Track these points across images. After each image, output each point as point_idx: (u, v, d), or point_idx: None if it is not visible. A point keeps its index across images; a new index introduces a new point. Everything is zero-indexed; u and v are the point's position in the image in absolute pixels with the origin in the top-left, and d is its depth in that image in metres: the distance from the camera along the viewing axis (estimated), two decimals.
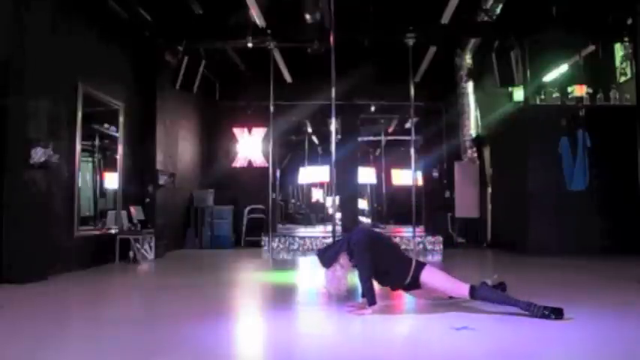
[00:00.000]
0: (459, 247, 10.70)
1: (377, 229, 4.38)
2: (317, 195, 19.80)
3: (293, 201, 19.69)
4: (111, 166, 8.14)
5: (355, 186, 12.35)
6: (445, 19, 8.40)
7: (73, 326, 3.91)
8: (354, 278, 4.28)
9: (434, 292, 4.08)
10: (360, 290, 4.24)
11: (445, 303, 4.14)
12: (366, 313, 3.88)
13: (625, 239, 8.29)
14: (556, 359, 2.96)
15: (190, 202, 10.99)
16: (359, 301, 4.24)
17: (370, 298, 3.90)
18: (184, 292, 5.30)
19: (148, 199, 8.89)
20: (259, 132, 11.92)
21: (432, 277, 3.97)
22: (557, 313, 3.59)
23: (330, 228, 9.22)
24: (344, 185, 11.48)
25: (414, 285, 4.00)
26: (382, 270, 4.01)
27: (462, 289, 3.87)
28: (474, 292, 3.81)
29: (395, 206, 16.83)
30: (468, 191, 10.75)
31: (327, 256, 4.09)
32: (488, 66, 9.19)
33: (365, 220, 16.89)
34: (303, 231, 12.81)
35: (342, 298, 4.43)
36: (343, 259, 4.02)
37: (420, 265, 4.01)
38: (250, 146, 11.99)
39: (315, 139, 17.04)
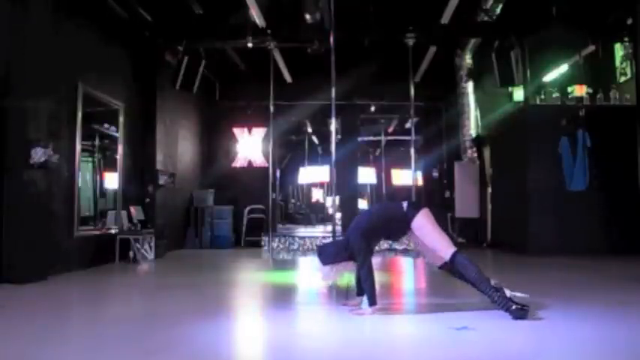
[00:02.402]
0: (459, 247, 10.68)
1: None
2: (317, 195, 19.81)
3: (293, 201, 19.70)
4: (111, 166, 8.14)
5: (355, 186, 12.35)
6: (445, 19, 8.40)
7: (73, 326, 3.91)
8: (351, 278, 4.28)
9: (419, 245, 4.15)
10: (356, 289, 4.23)
11: (445, 303, 4.14)
12: (366, 314, 3.88)
13: (625, 239, 8.28)
14: (557, 359, 2.96)
15: (190, 202, 10.99)
16: (356, 300, 4.23)
17: (371, 298, 3.89)
18: (184, 292, 5.30)
19: (148, 199, 8.89)
20: (259, 132, 11.92)
21: (423, 226, 3.98)
22: (522, 311, 3.59)
23: (330, 228, 9.22)
24: (344, 185, 11.49)
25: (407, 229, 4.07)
26: (385, 234, 4.25)
27: (446, 249, 3.91)
28: (454, 259, 3.86)
29: None
30: (468, 191, 10.76)
31: (326, 255, 4.08)
32: (488, 66, 9.19)
33: None
34: (303, 231, 12.83)
35: (340, 297, 4.44)
36: (343, 264, 4.03)
37: (415, 209, 4.01)
38: (250, 146, 11.99)
39: (315, 139, 17.05)
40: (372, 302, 3.88)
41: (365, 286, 3.95)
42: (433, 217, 4.07)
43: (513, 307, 3.62)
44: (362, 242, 3.95)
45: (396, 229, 4.12)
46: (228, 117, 11.92)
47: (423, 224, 3.98)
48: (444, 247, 3.93)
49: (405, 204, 4.06)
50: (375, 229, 4.06)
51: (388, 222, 4.09)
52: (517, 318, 3.58)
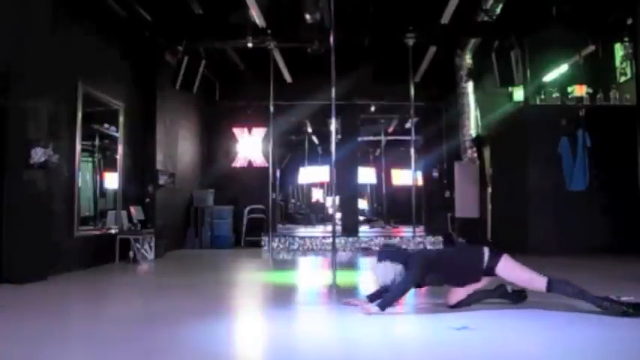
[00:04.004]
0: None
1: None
2: (317, 195, 19.83)
3: (293, 201, 19.73)
4: (111, 166, 8.14)
5: (355, 186, 12.35)
6: (445, 19, 8.40)
7: (73, 326, 3.91)
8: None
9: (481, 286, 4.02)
10: (365, 292, 4.21)
11: (445, 303, 4.13)
12: (371, 310, 3.83)
13: (625, 239, 8.28)
14: (557, 359, 2.95)
15: (190, 202, 10.98)
16: (361, 299, 4.21)
17: (385, 302, 3.83)
18: (184, 292, 5.30)
19: (148, 199, 8.89)
20: (259, 132, 11.92)
21: (509, 271, 3.88)
22: (636, 309, 3.56)
23: (330, 228, 9.23)
24: (344, 185, 11.49)
25: (488, 275, 3.94)
26: (453, 276, 3.99)
27: (539, 282, 3.81)
28: (551, 286, 3.76)
29: (395, 206, 16.87)
30: (468, 191, 10.75)
31: (385, 254, 4.02)
32: (488, 66, 9.19)
33: (368, 218, 16.91)
34: (303, 231, 12.84)
35: (341, 297, 4.44)
36: (396, 265, 3.96)
37: (496, 256, 3.91)
38: (250, 146, 11.99)
39: (315, 139, 17.06)
40: (383, 307, 3.82)
41: (391, 291, 3.86)
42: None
43: (625, 307, 3.59)
44: (418, 265, 3.89)
45: (466, 275, 3.98)
46: (228, 117, 11.92)
47: (509, 266, 3.89)
48: (536, 280, 3.83)
49: (486, 252, 3.93)
50: (435, 268, 3.97)
51: (449, 266, 3.99)
52: (637, 316, 3.54)
